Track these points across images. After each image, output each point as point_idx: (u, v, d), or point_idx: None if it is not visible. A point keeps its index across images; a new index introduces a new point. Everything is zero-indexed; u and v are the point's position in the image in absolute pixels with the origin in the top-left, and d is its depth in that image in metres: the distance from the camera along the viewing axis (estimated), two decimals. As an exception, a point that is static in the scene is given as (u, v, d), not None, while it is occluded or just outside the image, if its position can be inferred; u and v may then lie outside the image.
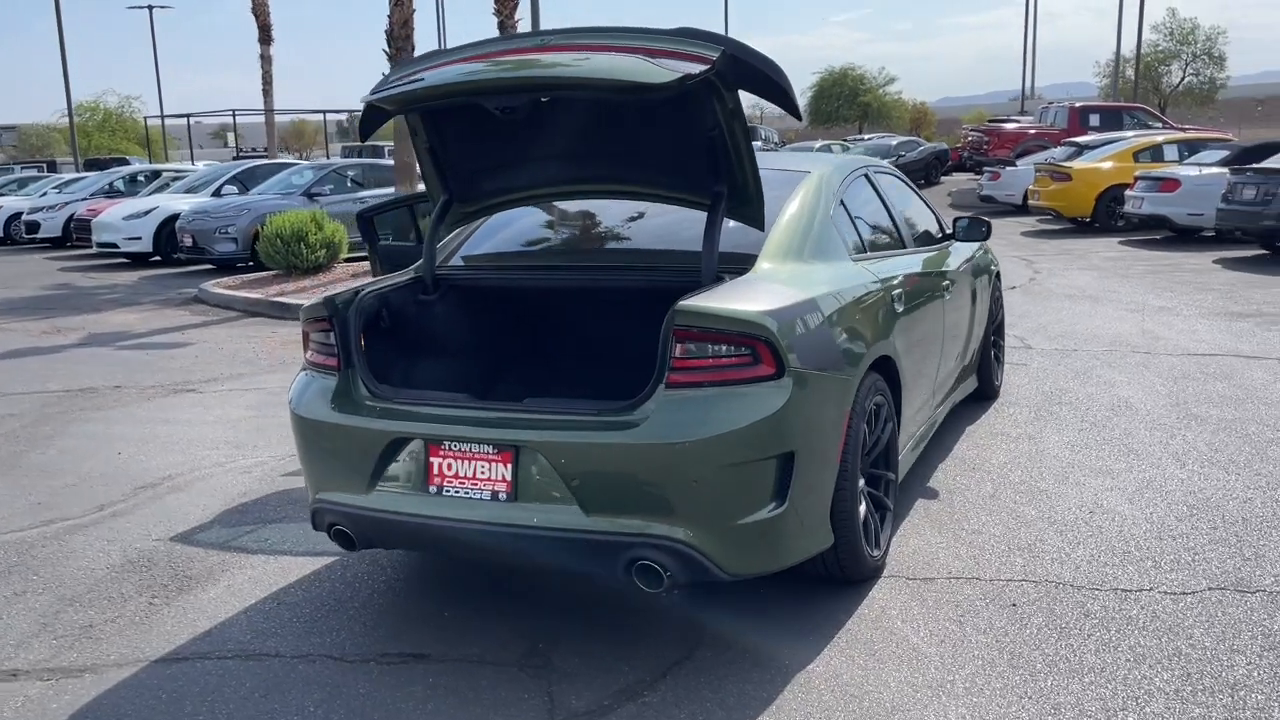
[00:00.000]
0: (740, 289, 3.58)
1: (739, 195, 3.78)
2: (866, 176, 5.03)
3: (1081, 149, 19.28)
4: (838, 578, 3.85)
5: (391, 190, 15.05)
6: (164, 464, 6.00)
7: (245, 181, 19.21)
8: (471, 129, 4.06)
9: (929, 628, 3.60)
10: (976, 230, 5.77)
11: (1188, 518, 4.52)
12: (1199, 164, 16.17)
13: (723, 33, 5.04)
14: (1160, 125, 25.94)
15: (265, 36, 31.09)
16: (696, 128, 3.66)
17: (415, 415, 3.60)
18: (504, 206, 4.39)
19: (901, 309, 4.39)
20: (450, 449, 3.46)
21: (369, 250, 5.69)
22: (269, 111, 32.94)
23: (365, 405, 3.68)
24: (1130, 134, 20.99)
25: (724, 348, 3.31)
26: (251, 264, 15.44)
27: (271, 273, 14.03)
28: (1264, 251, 13.58)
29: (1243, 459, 5.29)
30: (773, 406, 3.28)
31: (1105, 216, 17.34)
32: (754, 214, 3.82)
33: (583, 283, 4.22)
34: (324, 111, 48.29)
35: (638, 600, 3.84)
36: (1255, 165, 13.66)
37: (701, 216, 3.98)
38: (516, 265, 4.50)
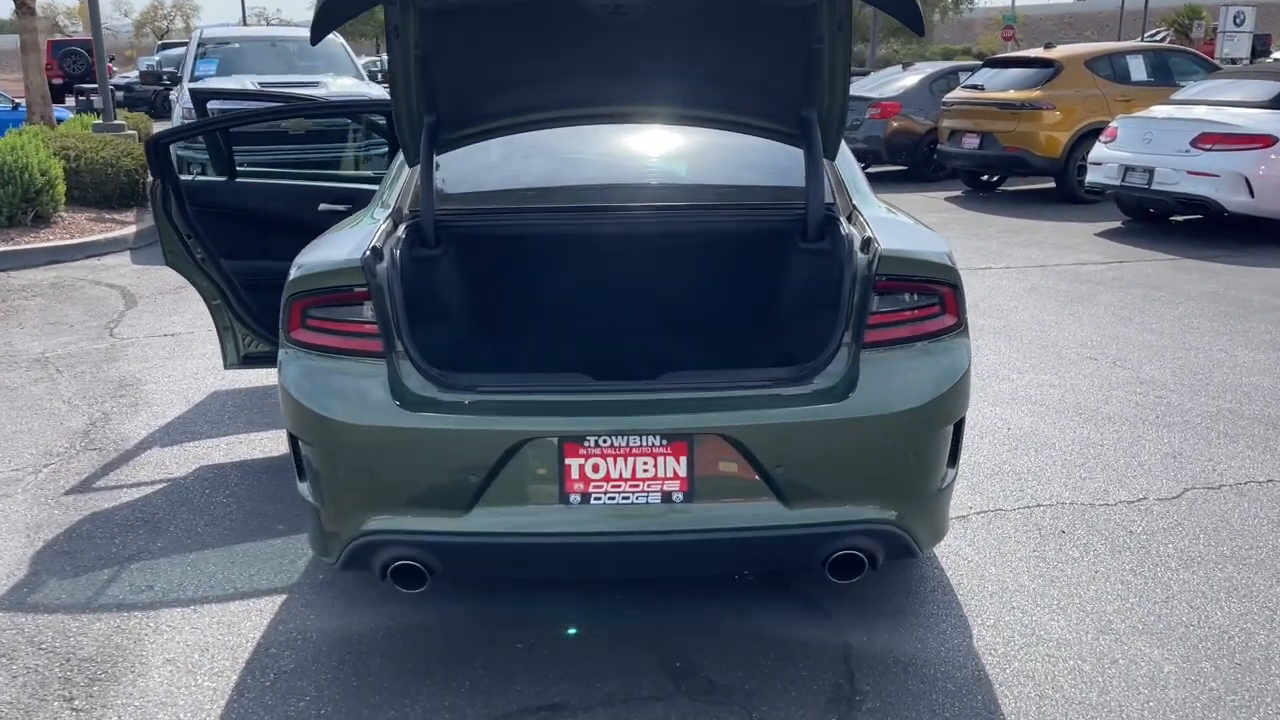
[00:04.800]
0: (898, 229, 3.15)
1: (822, 122, 3.31)
2: None
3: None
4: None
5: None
6: (-126, 496, 4.23)
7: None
8: (491, 32, 3.15)
9: (1008, 566, 3.50)
10: None
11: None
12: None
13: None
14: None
15: None
16: (797, 40, 3.13)
17: (536, 408, 2.77)
18: (502, 133, 3.49)
19: None
20: (597, 446, 2.70)
21: (158, 190, 4.34)
22: None
23: (447, 401, 2.77)
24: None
25: (914, 297, 2.89)
26: None
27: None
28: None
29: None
30: (965, 360, 2.93)
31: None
32: (831, 143, 3.37)
33: (621, 227, 3.49)
34: None
35: (721, 580, 3.34)
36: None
37: (757, 145, 3.47)
38: (533, 208, 3.61)
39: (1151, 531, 3.80)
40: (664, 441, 2.71)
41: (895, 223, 3.26)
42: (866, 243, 2.93)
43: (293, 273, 2.92)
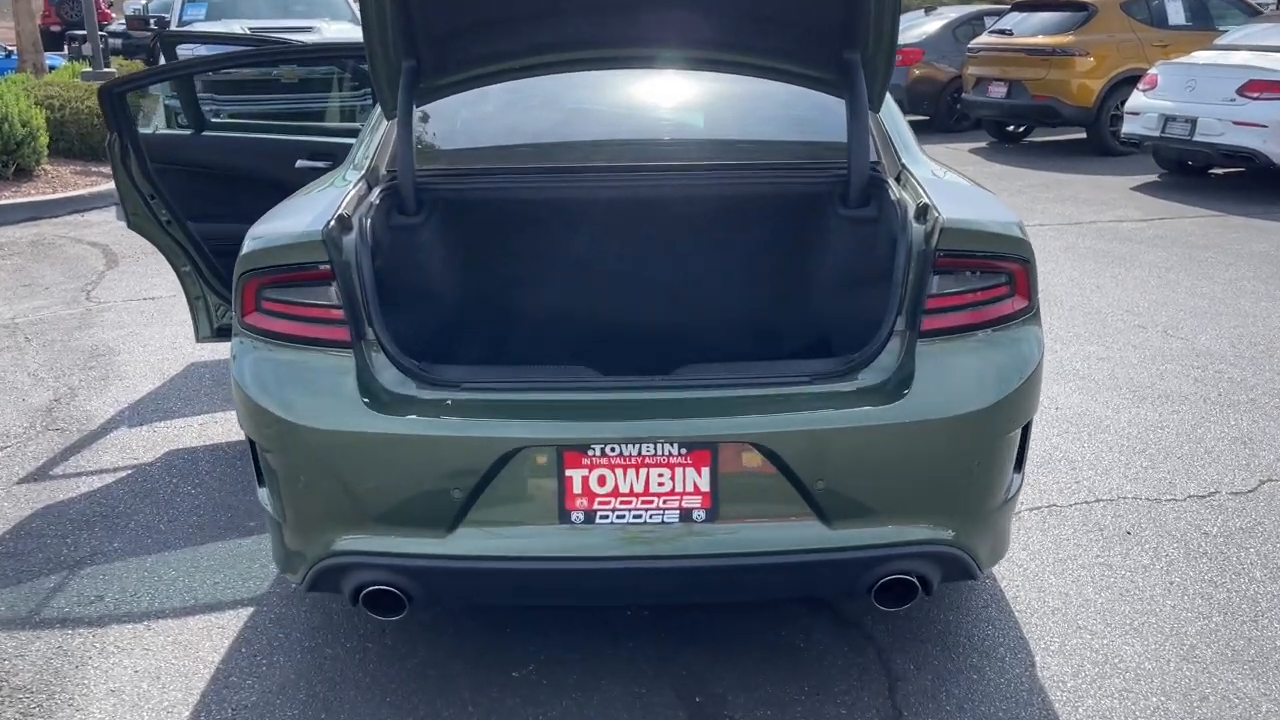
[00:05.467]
0: (957, 194, 2.69)
1: (866, 66, 2.84)
2: None
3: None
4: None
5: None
6: None
7: None
8: None
9: (1070, 576, 3.08)
10: None
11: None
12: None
13: None
14: None
15: None
16: None
17: (531, 409, 2.34)
18: (494, 79, 3.02)
19: None
20: (604, 455, 2.28)
21: (115, 146, 3.89)
22: None
23: (427, 401, 2.34)
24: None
25: (978, 276, 2.44)
26: None
27: None
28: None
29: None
30: (1037, 352, 2.49)
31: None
32: (876, 92, 2.90)
33: (633, 192, 3.01)
34: None
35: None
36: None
37: (791, 94, 3.00)
38: (530, 168, 3.12)
39: (1229, 533, 3.37)
40: (683, 450, 2.28)
41: (952, 185, 2.80)
42: (922, 210, 2.47)
43: (245, 246, 2.48)
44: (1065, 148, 11.91)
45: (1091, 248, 7.23)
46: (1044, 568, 3.18)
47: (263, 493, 2.55)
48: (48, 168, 9.73)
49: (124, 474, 3.92)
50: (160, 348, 5.33)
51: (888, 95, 3.01)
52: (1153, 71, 9.67)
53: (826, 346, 2.88)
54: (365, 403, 2.32)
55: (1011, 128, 12.63)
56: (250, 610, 3.01)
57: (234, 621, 2.96)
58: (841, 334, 2.69)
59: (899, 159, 2.91)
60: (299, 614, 2.98)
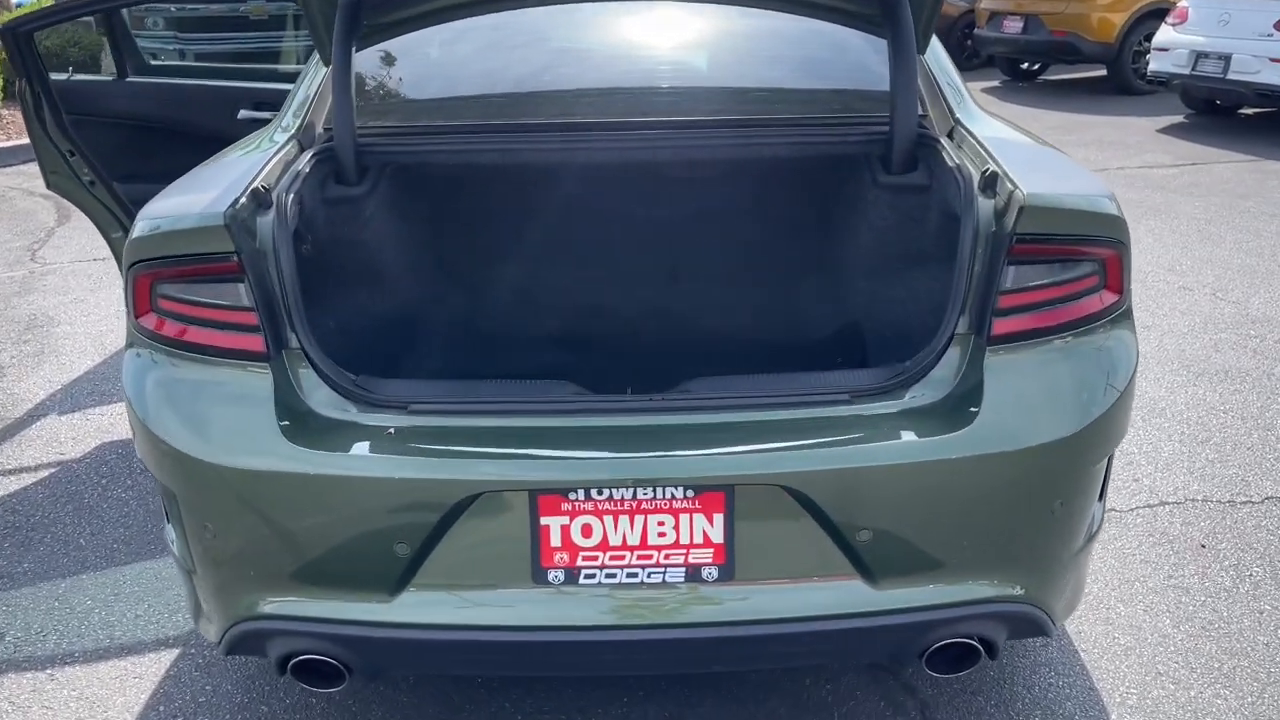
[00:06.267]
0: (1029, 158, 2.17)
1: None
2: None
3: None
4: None
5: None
6: None
7: None
8: None
9: (1140, 603, 2.62)
10: None
11: (1227, 389, 3.92)
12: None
13: None
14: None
15: None
16: None
17: (497, 438, 1.84)
18: (454, 14, 2.47)
19: None
20: (588, 499, 1.79)
21: (26, 94, 3.34)
22: None
23: (366, 428, 1.84)
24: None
25: (1061, 264, 1.93)
26: None
27: None
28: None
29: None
30: (1132, 358, 1.99)
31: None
32: (923, 30, 2.36)
33: (626, 155, 2.44)
34: None
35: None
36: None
37: (817, 32, 2.47)
38: (500, 125, 2.53)
39: (1319, 546, 2.91)
40: (690, 492, 1.79)
41: (1021, 146, 2.27)
42: (990, 180, 1.95)
43: (134, 228, 1.96)
44: (1083, 86, 11.27)
45: (1123, 197, 6.67)
46: (1109, 592, 2.72)
47: (169, 532, 2.07)
48: (2, 112, 9.10)
49: (46, 473, 3.43)
50: (105, 317, 4.81)
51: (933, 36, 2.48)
52: (1183, 4, 9.02)
53: (860, 350, 2.37)
54: (285, 432, 1.82)
55: (1026, 65, 11.97)
56: (174, 654, 2.54)
57: (154, 668, 2.49)
58: (883, 336, 2.20)
59: (951, 112, 2.38)
60: (230, 660, 2.51)
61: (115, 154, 3.50)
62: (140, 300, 1.94)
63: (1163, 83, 9.26)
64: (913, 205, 2.27)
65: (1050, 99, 10.60)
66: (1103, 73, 10.99)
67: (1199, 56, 8.55)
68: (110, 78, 3.77)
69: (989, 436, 1.81)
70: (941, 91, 2.43)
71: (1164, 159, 7.76)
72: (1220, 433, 3.56)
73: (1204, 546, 2.91)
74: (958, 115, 2.36)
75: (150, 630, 2.63)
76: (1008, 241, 1.85)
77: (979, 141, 2.17)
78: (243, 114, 3.55)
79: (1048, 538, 1.91)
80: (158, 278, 1.91)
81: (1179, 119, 9.25)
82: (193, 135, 3.42)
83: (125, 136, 3.57)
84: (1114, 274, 1.95)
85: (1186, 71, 8.69)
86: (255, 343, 1.87)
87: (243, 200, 1.91)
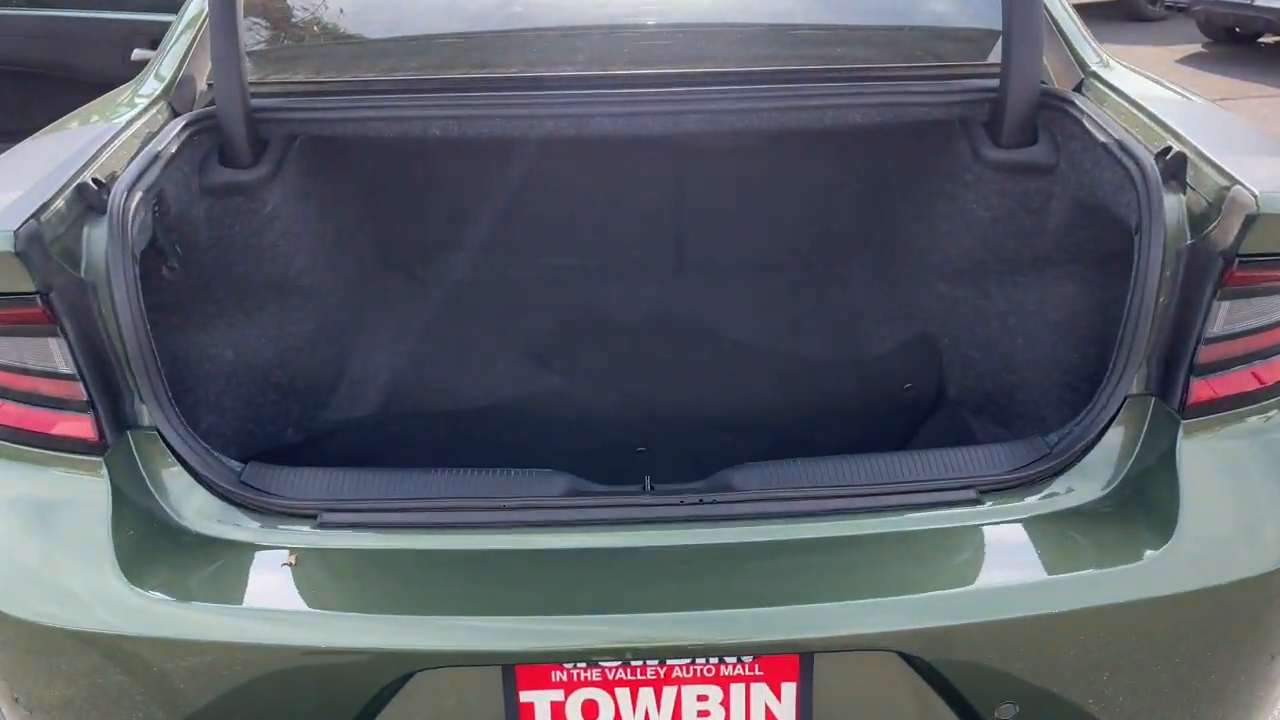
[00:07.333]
0: (1223, 133, 1.53)
1: None
2: None
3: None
4: None
5: None
6: None
7: None
8: None
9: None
10: None
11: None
12: None
13: None
14: None
15: None
16: None
17: (445, 566, 1.22)
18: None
19: None
20: (593, 667, 1.17)
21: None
22: None
23: (255, 553, 1.22)
24: None
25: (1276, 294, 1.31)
26: None
27: None
28: None
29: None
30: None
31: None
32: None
33: (630, 125, 1.68)
34: None
35: None
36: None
37: None
38: (452, 80, 1.78)
39: None
40: (747, 655, 1.18)
41: (1194, 110, 1.63)
42: (1178, 165, 1.32)
43: None
44: (1092, 13, 10.54)
45: (1152, 138, 6.08)
46: None
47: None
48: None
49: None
50: None
51: None
52: (1207, -79, 8.32)
53: (952, 408, 1.73)
54: (125, 566, 1.18)
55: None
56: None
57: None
58: (990, 390, 1.58)
59: (1076, 55, 1.74)
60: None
61: None
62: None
63: (1182, 8, 8.57)
64: (1031, 192, 1.62)
65: (1055, 26, 9.90)
66: (1112, -1, 10.27)
67: (1225, -21, 7.89)
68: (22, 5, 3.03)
69: (1192, 562, 1.21)
70: (1062, 32, 1.78)
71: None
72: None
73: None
74: (1091, 66, 1.71)
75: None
76: (1220, 264, 1.23)
77: (1133, 103, 1.53)
78: (137, 54, 2.84)
79: (1250, 703, 1.31)
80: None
81: (1196, 48, 8.59)
82: (66, 83, 2.71)
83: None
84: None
85: (1209, -4, 8.03)
86: (81, 426, 1.23)
87: (56, 205, 1.25)
